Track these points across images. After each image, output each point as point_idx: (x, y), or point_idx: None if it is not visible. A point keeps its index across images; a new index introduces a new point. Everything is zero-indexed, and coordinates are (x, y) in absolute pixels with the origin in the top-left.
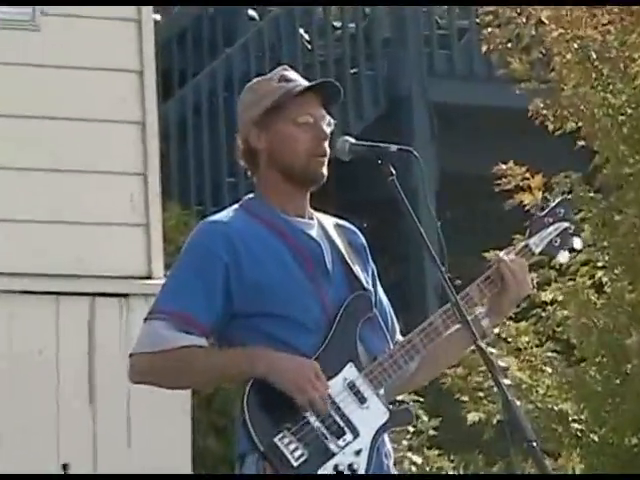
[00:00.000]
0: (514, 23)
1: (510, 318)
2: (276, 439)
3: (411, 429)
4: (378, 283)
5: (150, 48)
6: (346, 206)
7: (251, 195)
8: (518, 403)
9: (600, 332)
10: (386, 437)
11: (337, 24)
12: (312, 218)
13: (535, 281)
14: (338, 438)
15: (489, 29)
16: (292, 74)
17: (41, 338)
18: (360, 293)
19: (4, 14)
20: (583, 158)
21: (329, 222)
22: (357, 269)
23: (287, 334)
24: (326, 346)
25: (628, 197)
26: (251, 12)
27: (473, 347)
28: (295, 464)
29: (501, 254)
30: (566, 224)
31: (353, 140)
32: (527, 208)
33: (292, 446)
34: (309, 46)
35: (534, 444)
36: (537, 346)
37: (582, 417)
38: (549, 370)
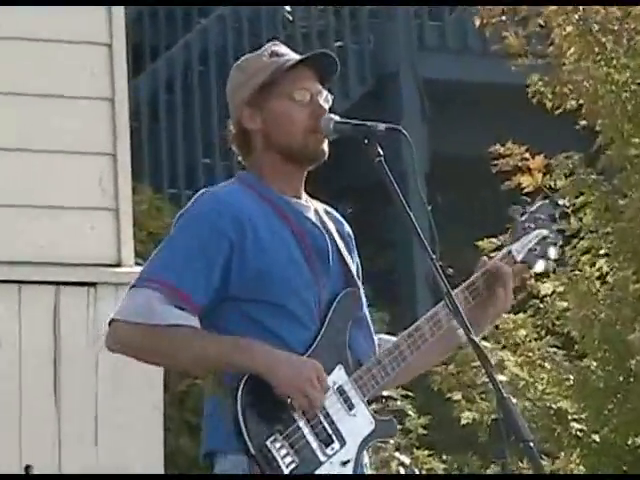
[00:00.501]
0: None
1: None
2: (268, 442)
3: (399, 427)
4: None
5: (120, 18)
6: (329, 189)
7: (245, 172)
8: (514, 401)
9: (602, 325)
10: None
11: None
12: (307, 201)
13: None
14: (326, 446)
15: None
16: (284, 49)
17: (2, 329)
18: (352, 290)
19: None
20: (585, 137)
21: (320, 207)
22: (350, 261)
23: (279, 325)
24: (316, 345)
25: (633, 180)
26: None
27: (464, 342)
28: (286, 471)
29: (485, 259)
30: (545, 232)
31: (338, 118)
32: (525, 191)
33: (283, 451)
34: (290, 17)
35: (531, 444)
36: (535, 340)
37: (583, 416)
38: (548, 366)
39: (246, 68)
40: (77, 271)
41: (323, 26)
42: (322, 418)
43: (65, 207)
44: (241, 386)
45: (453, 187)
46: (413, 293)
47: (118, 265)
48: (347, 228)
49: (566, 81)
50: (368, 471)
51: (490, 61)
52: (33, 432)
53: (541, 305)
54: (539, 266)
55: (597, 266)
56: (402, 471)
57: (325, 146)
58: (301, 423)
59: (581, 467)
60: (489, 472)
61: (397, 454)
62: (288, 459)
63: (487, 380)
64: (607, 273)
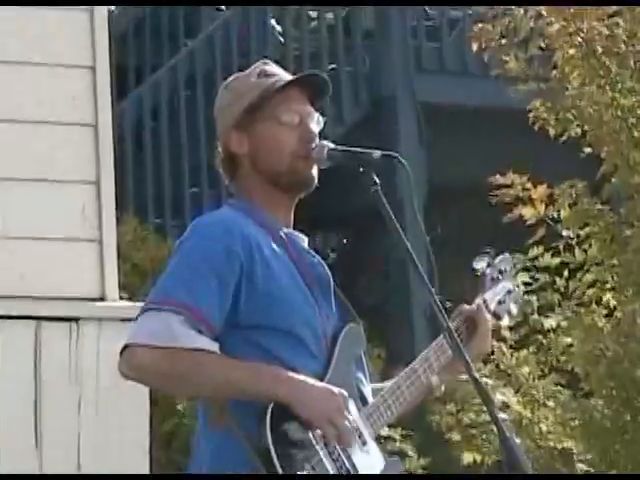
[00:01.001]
0: (510, 15)
1: (510, 346)
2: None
3: None
4: None
5: (104, 40)
6: (320, 219)
7: (235, 199)
8: (518, 441)
9: (609, 362)
10: None
11: (313, 14)
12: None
13: (537, 305)
14: None
15: (480, 25)
16: (274, 68)
17: None
18: (356, 326)
19: None
20: (590, 164)
21: (304, 240)
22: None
23: (288, 352)
24: (330, 377)
25: (639, 209)
26: None
27: (465, 379)
28: None
29: (464, 306)
30: (510, 285)
31: (332, 145)
32: (529, 223)
33: None
34: (281, 39)
35: None
36: (539, 377)
37: (589, 456)
38: (552, 404)
39: (234, 89)
40: (59, 305)
41: (316, 47)
42: (340, 452)
43: (46, 238)
44: (268, 415)
45: (452, 216)
46: (411, 327)
47: (102, 299)
48: (329, 272)
49: (569, 106)
50: None
51: (491, 84)
52: (13, 473)
53: (544, 341)
54: (505, 320)
55: (603, 300)
56: None
57: (315, 172)
58: (322, 453)
59: None
60: None
61: None
62: None
63: (489, 419)
64: (614, 307)
